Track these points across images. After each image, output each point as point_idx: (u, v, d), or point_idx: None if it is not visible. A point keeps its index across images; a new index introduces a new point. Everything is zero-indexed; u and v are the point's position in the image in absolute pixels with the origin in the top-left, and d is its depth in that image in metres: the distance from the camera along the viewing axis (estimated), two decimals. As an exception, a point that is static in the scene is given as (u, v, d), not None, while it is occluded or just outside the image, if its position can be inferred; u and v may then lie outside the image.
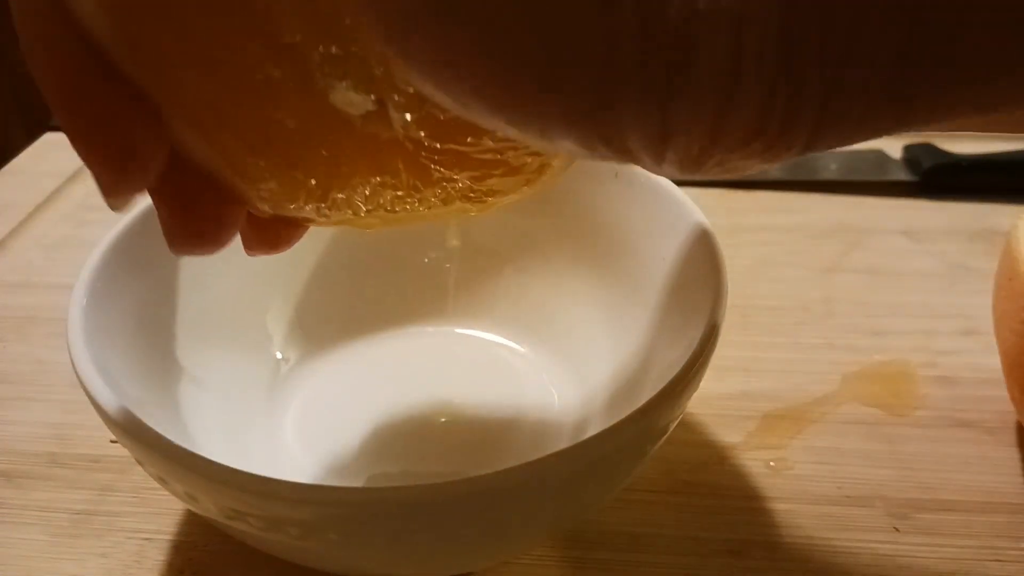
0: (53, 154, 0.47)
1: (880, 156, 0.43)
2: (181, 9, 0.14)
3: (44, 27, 0.14)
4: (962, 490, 0.26)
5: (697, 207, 0.25)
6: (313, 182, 0.17)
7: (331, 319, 0.30)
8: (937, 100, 0.12)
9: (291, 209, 0.18)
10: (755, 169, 0.13)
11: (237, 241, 0.20)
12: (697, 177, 0.13)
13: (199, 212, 0.17)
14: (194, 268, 0.26)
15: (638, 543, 0.24)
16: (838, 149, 0.13)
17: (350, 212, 0.18)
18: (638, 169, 0.21)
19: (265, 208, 0.18)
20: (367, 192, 0.18)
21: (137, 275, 0.24)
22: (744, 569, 0.23)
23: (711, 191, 0.41)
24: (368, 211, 0.18)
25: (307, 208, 0.18)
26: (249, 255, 0.20)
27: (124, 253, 0.24)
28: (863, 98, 0.11)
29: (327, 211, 0.18)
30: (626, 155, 0.12)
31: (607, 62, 0.11)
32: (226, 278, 0.27)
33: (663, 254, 0.26)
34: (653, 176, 0.26)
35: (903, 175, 0.42)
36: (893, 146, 0.44)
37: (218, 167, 0.16)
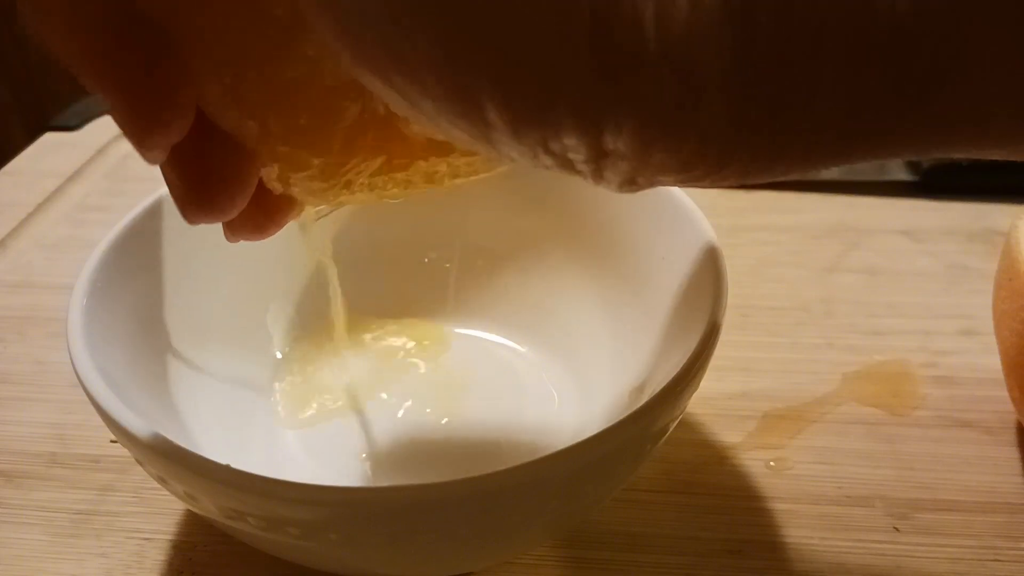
0: (53, 154, 0.47)
1: (880, 156, 0.43)
2: None
3: None
4: (962, 490, 0.26)
5: (697, 207, 0.25)
6: (319, 159, 0.17)
7: (331, 319, 0.30)
8: (878, 154, 0.12)
9: (298, 182, 0.18)
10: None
11: (237, 243, 0.20)
12: (635, 191, 0.13)
13: (216, 177, 0.17)
14: (194, 268, 0.26)
15: (638, 543, 0.24)
16: None
17: (345, 192, 0.18)
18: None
19: (275, 181, 0.18)
20: (366, 168, 0.18)
21: (137, 275, 0.24)
22: (744, 569, 0.23)
23: (711, 191, 0.41)
24: (361, 186, 0.19)
25: (312, 183, 0.18)
26: (230, 240, 0.20)
27: (124, 253, 0.24)
28: (798, 151, 0.12)
29: (327, 188, 0.18)
30: (567, 167, 0.13)
31: (553, 70, 0.11)
32: (226, 278, 0.27)
33: (663, 254, 0.26)
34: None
35: (903, 175, 0.42)
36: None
37: (235, 123, 0.16)
